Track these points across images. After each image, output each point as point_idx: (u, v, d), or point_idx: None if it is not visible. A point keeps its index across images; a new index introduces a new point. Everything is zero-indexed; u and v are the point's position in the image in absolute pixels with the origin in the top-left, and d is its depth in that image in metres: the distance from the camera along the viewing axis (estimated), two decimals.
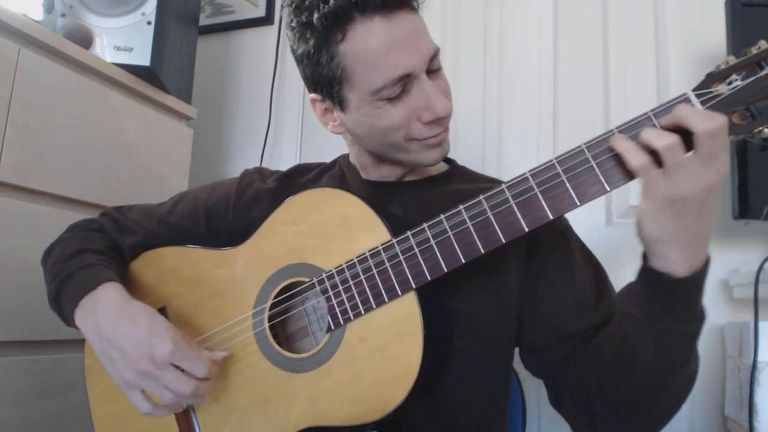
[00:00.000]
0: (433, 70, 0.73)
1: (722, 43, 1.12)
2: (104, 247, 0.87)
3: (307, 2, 0.70)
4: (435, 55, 0.73)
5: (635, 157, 0.57)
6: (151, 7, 1.27)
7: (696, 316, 0.62)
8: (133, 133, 1.28)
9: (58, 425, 1.08)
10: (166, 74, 1.34)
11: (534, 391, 1.27)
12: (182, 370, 0.71)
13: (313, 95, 0.79)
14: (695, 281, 0.59)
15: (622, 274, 0.75)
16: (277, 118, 1.66)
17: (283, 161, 1.63)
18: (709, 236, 0.60)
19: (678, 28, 1.32)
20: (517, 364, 0.83)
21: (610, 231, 1.32)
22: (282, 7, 0.75)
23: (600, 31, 1.40)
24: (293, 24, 0.73)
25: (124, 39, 1.26)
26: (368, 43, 0.68)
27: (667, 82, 1.31)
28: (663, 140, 0.56)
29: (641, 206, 0.60)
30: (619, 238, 1.30)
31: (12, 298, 1.01)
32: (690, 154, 0.56)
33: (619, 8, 1.38)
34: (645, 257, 0.62)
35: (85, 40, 1.23)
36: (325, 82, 0.74)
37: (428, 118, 0.72)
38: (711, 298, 1.22)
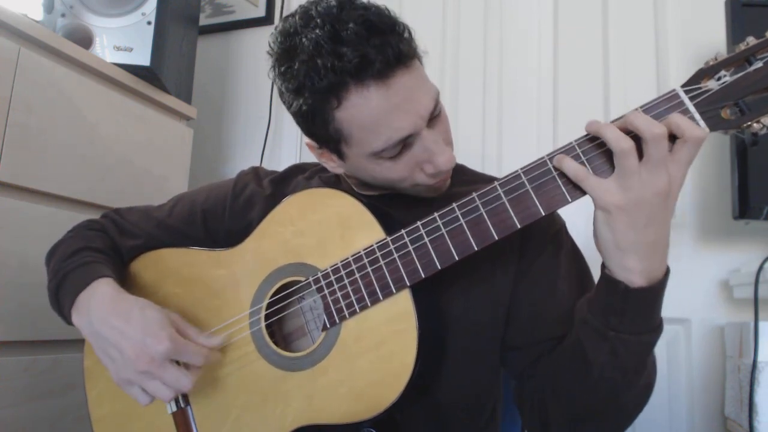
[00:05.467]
0: (434, 116, 0.70)
1: (722, 43, 1.12)
2: (104, 246, 0.87)
3: (294, 71, 0.66)
4: (435, 104, 0.69)
5: (573, 169, 0.59)
6: (151, 7, 1.28)
7: (652, 328, 0.61)
8: (133, 133, 1.28)
9: (57, 425, 1.08)
10: (166, 74, 1.34)
11: None
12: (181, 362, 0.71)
13: (308, 141, 0.77)
14: (652, 292, 0.59)
15: None
16: (277, 118, 1.66)
17: (283, 161, 1.63)
18: (668, 246, 0.60)
19: (678, 28, 1.32)
20: None
21: None
22: (270, 60, 0.72)
23: (600, 31, 1.40)
24: (282, 89, 0.71)
25: (124, 39, 1.26)
26: (365, 110, 0.65)
27: (667, 82, 1.31)
28: (621, 144, 0.56)
29: (595, 215, 0.60)
30: None
31: (12, 298, 1.01)
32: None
33: (619, 8, 1.38)
34: (605, 266, 0.62)
35: (85, 40, 1.23)
36: (322, 138, 0.72)
37: (431, 171, 0.71)
38: (711, 298, 1.22)
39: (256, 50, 1.73)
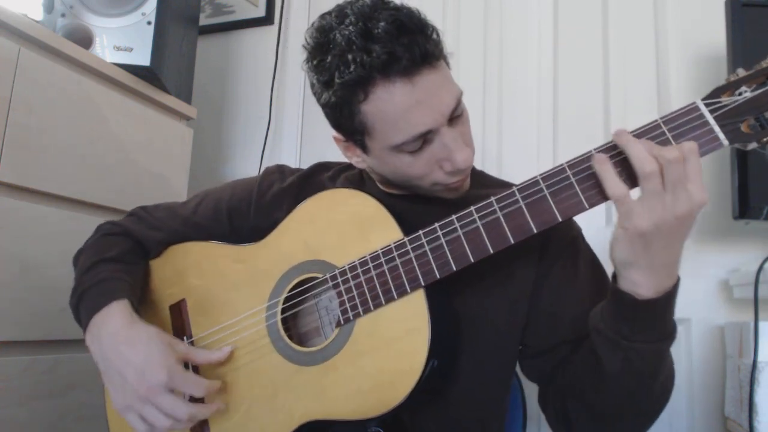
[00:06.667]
0: (455, 116, 0.72)
1: (722, 43, 1.12)
2: (122, 253, 0.88)
3: (327, 64, 0.69)
4: (457, 104, 0.71)
5: (613, 187, 0.58)
6: (151, 7, 1.27)
7: (664, 335, 0.62)
8: (133, 133, 1.28)
9: (57, 425, 1.08)
10: (166, 74, 1.34)
11: (535, 393, 1.26)
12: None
13: (335, 134, 0.79)
14: (660, 303, 0.60)
15: None
16: (277, 118, 1.66)
17: (283, 161, 1.61)
18: (679, 261, 0.60)
19: (678, 29, 1.32)
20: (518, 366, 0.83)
21: (609, 231, 1.32)
22: (303, 57, 0.75)
23: (600, 31, 1.40)
24: (313, 81, 0.73)
25: (124, 39, 1.26)
26: (389, 105, 0.68)
27: (667, 83, 1.31)
28: (644, 167, 0.56)
29: (615, 232, 0.60)
30: None
31: (12, 298, 1.01)
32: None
33: (619, 9, 1.38)
34: (614, 277, 0.63)
35: (85, 40, 1.23)
36: (348, 130, 0.75)
37: (449, 169, 0.72)
38: (711, 298, 1.22)
39: (256, 50, 1.73)
